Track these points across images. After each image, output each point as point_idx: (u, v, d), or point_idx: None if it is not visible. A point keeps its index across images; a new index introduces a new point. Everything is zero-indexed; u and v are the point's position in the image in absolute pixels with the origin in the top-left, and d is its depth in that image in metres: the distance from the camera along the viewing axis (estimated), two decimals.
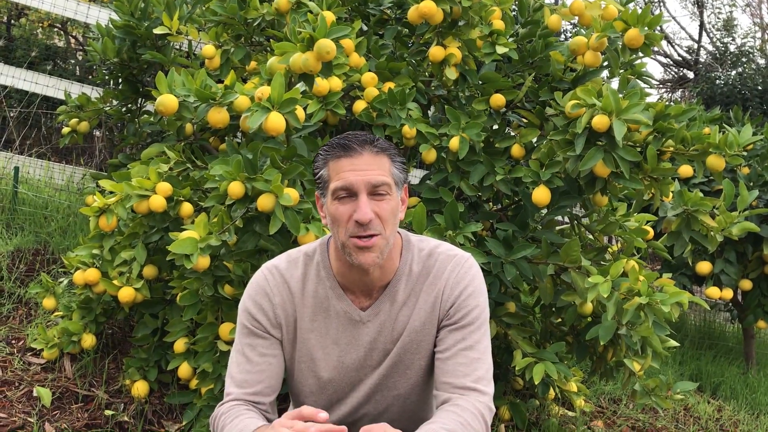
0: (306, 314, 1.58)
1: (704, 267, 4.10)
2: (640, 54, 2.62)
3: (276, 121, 2.20)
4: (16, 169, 4.10)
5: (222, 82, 2.65)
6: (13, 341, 2.91)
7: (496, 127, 2.85)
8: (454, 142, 2.57)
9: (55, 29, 8.21)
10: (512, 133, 2.88)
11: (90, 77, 6.53)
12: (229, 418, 1.49)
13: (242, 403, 1.54)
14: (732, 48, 11.83)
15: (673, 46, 14.63)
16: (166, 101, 2.36)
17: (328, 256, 1.60)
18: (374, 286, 1.56)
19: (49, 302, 2.82)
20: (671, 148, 2.42)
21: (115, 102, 3.50)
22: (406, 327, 1.57)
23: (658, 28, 2.54)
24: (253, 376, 1.55)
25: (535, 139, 2.75)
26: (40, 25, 7.99)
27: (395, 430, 1.29)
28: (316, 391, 1.62)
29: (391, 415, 1.62)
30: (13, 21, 7.93)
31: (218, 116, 2.39)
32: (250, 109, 2.24)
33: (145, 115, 3.53)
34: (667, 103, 2.43)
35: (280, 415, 1.81)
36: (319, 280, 1.58)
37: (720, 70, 10.76)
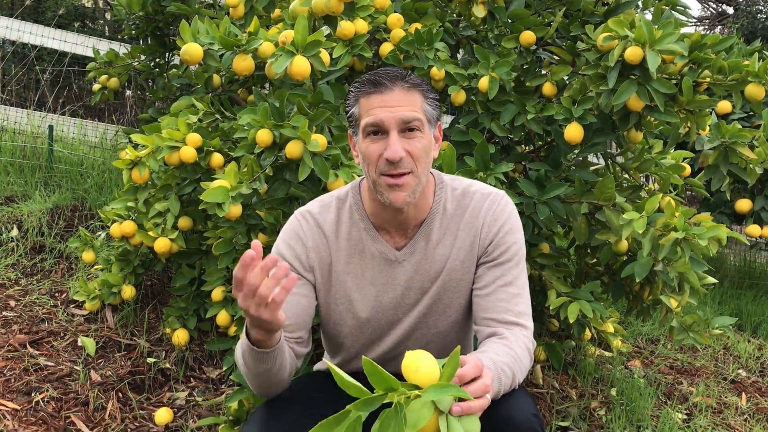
0: (341, 257, 1.59)
1: (744, 204, 4.00)
2: None
3: (301, 65, 2.18)
4: (51, 127, 4.16)
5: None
6: (56, 294, 2.99)
7: (526, 65, 2.78)
8: (484, 82, 2.52)
9: None
10: (543, 71, 2.81)
11: (118, 36, 6.55)
12: None
13: None
14: None
15: None
16: (191, 50, 2.34)
17: (360, 198, 1.60)
18: (408, 224, 1.56)
19: (88, 256, 2.88)
20: (708, 79, 2.33)
21: (143, 57, 3.50)
22: (444, 266, 1.57)
23: None
24: None
25: (567, 76, 2.69)
26: None
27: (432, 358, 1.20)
28: (355, 331, 1.64)
29: (431, 351, 1.63)
30: None
31: (243, 63, 2.37)
32: (275, 54, 2.21)
33: (174, 69, 3.53)
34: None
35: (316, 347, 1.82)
36: (353, 222, 1.59)
37: (762, 3, 10.34)
